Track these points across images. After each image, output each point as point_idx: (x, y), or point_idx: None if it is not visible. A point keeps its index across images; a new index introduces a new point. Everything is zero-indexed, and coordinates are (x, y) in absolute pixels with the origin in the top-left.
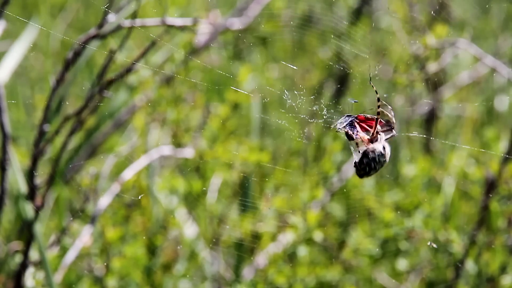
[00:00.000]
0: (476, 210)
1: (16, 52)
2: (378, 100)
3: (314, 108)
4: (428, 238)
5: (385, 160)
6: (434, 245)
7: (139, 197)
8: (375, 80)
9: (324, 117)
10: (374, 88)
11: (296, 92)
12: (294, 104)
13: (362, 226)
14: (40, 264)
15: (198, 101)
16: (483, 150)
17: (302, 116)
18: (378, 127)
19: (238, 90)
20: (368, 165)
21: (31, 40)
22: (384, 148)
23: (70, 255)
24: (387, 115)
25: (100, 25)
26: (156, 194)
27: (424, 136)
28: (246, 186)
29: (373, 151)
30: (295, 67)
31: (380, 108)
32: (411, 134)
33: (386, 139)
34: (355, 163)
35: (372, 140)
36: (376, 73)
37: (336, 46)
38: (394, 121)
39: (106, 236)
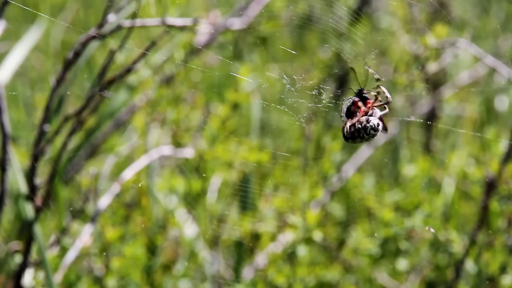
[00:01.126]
0: (476, 210)
1: (18, 53)
2: (377, 80)
3: (314, 92)
4: (428, 238)
5: (375, 134)
6: (432, 230)
7: (140, 185)
8: (374, 79)
9: (324, 101)
10: (371, 70)
11: (295, 77)
12: (293, 89)
13: (362, 226)
14: (40, 264)
15: (198, 101)
16: (485, 136)
17: (301, 101)
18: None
19: (240, 76)
20: (357, 131)
21: (33, 41)
22: (378, 124)
23: (70, 255)
24: (385, 95)
25: (100, 25)
26: (156, 194)
27: (421, 120)
28: (246, 186)
29: (367, 121)
30: (294, 52)
31: (379, 88)
32: (410, 119)
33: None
34: (343, 127)
35: (368, 113)
36: (375, 71)
37: (336, 46)
38: (389, 97)
39: (106, 236)
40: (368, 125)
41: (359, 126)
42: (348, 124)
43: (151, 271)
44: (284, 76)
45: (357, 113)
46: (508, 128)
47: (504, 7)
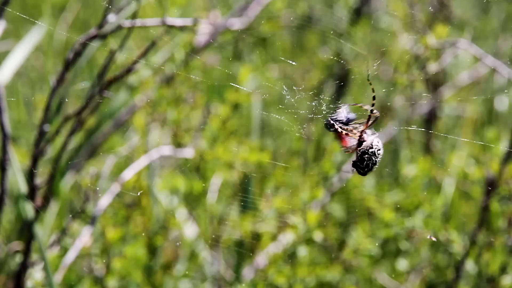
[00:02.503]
0: (476, 210)
1: (19, 53)
2: (374, 98)
3: (313, 104)
4: (428, 239)
5: (381, 152)
6: (434, 239)
7: (139, 194)
8: (374, 80)
9: (324, 112)
10: (371, 86)
11: (295, 88)
12: (293, 100)
13: (362, 226)
14: (40, 264)
15: (198, 101)
16: (485, 143)
17: (301, 112)
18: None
19: (239, 86)
20: (369, 161)
21: (35, 42)
22: (378, 141)
23: (70, 255)
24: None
25: (101, 25)
26: (157, 194)
27: (423, 129)
28: (246, 186)
29: (371, 147)
30: (294, 63)
31: (373, 106)
32: (411, 128)
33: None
34: (354, 163)
35: (362, 137)
36: (376, 72)
37: (336, 46)
38: (377, 112)
39: (107, 236)
40: (374, 150)
41: (368, 155)
42: (357, 159)
43: (152, 271)
44: (284, 87)
45: (353, 140)
46: (508, 128)
47: (504, 7)
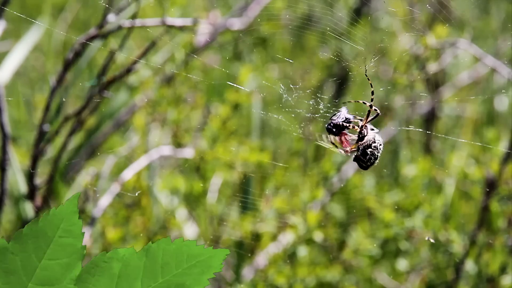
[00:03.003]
0: (476, 210)
1: (18, 53)
2: (372, 93)
3: (311, 102)
4: (427, 240)
5: (382, 146)
6: (432, 240)
7: (137, 194)
8: (374, 79)
9: (321, 111)
10: (369, 81)
11: (292, 86)
12: (290, 99)
13: (362, 226)
14: None
15: (198, 101)
16: (485, 144)
17: (299, 111)
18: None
19: (239, 86)
20: (372, 156)
21: (34, 41)
22: (379, 135)
23: None
24: (374, 108)
25: (101, 25)
26: (157, 194)
27: (421, 130)
28: (246, 186)
29: (374, 141)
30: (291, 61)
31: (372, 102)
32: (409, 128)
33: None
34: (356, 157)
35: (362, 133)
36: (375, 69)
37: (336, 46)
38: (378, 110)
39: (107, 236)
40: (376, 144)
41: (371, 150)
42: (358, 153)
43: None
44: (281, 85)
45: (354, 137)
46: (508, 128)
47: (504, 7)
